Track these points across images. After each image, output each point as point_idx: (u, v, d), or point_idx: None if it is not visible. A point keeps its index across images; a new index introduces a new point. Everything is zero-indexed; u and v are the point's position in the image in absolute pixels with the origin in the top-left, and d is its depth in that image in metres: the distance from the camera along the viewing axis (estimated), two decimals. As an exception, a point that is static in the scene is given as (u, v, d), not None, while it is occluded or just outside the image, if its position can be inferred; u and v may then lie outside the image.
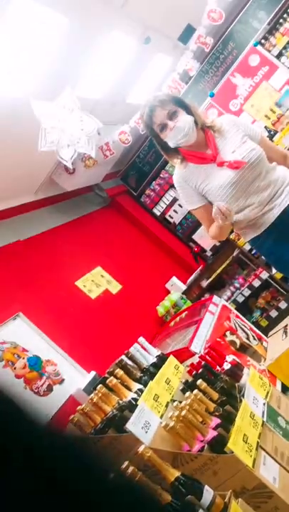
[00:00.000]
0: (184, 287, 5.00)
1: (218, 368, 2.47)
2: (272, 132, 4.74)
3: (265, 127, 4.95)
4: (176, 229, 6.06)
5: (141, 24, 4.17)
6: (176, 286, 4.99)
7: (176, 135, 2.02)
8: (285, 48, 5.36)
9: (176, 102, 2.06)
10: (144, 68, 4.94)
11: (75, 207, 5.10)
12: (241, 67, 5.38)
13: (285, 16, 5.35)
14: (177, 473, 1.25)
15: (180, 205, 5.98)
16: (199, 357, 2.53)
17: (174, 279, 5.07)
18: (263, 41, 5.44)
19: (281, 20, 5.38)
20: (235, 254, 4.84)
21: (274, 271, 4.43)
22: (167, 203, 6.10)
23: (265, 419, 2.17)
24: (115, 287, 4.39)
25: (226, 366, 2.43)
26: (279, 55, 5.36)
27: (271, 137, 4.77)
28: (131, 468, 1.20)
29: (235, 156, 2.02)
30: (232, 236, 4.66)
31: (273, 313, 4.49)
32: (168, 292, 4.90)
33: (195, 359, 2.63)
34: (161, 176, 6.11)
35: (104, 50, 3.76)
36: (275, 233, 2.07)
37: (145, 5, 4.03)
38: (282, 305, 4.46)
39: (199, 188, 2.08)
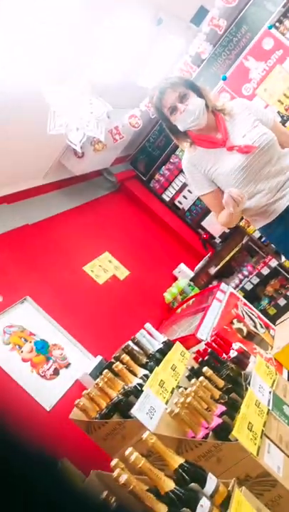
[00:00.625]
0: (191, 274, 4.98)
1: (224, 355, 2.46)
2: (285, 117, 4.65)
3: (278, 112, 4.86)
4: (185, 215, 6.01)
5: (153, 5, 4.08)
6: (183, 273, 4.97)
7: (186, 118, 1.98)
8: (300, 31, 5.23)
9: (187, 85, 2.02)
10: (156, 50, 4.85)
11: (83, 191, 5.08)
12: (255, 50, 5.26)
13: (301, -2, 5.21)
14: (181, 461, 1.25)
15: (189, 191, 5.93)
16: (206, 344, 2.53)
17: (182, 265, 5.05)
18: (277, 24, 5.31)
19: (297, 3, 5.24)
20: (244, 241, 4.80)
21: (283, 259, 4.39)
22: (177, 188, 6.05)
23: (270, 408, 2.16)
24: (123, 273, 4.38)
25: (233, 354, 2.42)
26: (294, 38, 5.23)
27: (284, 123, 4.68)
28: (135, 455, 1.20)
29: (245, 140, 1.98)
30: (242, 223, 4.61)
31: (282, 302, 4.46)
32: (175, 279, 4.89)
33: (201, 346, 2.62)
34: (171, 160, 6.05)
35: (116, 32, 3.69)
36: (286, 221, 2.04)
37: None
38: (291, 293, 4.43)
39: (208, 173, 2.04)
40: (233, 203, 1.84)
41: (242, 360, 2.39)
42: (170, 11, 4.40)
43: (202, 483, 1.21)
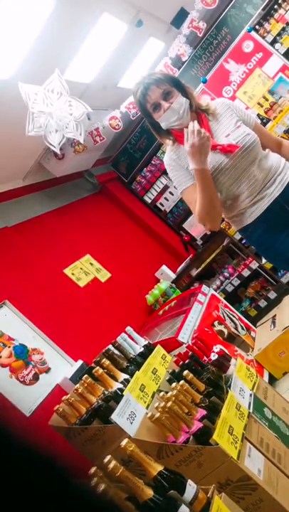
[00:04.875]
0: (173, 276, 4.98)
1: (205, 358, 2.46)
2: (264, 120, 4.69)
3: (258, 115, 4.90)
4: (167, 217, 6.01)
5: (133, 6, 4.07)
6: (165, 275, 4.97)
7: (169, 117, 1.96)
8: (279, 34, 5.28)
9: (172, 82, 2.00)
10: (136, 52, 4.84)
11: (64, 193, 5.03)
12: (235, 53, 5.30)
13: (279, 1, 5.26)
14: (160, 468, 1.23)
15: (171, 193, 5.94)
16: (186, 347, 2.52)
17: (164, 267, 5.04)
18: (257, 27, 5.36)
19: (276, 6, 5.29)
20: (225, 243, 4.82)
21: (264, 261, 4.42)
22: (158, 190, 6.04)
23: (251, 411, 2.16)
24: (104, 275, 4.35)
25: (213, 357, 2.42)
26: (273, 42, 5.29)
27: (264, 125, 4.71)
28: (113, 463, 1.18)
29: (229, 139, 1.97)
30: (222, 225, 4.63)
31: (262, 303, 4.49)
32: (157, 281, 4.88)
33: (182, 349, 2.61)
34: (152, 162, 6.05)
35: (95, 33, 3.67)
36: (266, 223, 2.03)
37: (138, -13, 3.93)
38: (272, 295, 4.46)
39: (191, 172, 2.02)
40: (196, 135, 1.81)
41: (223, 362, 2.39)
42: (150, 13, 4.39)
43: (181, 490, 1.19)
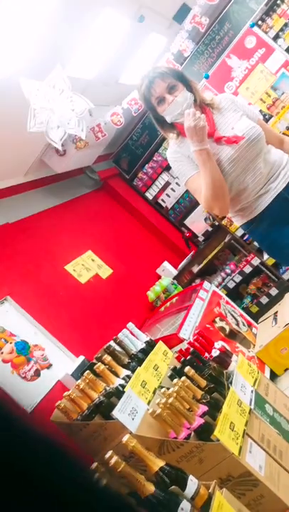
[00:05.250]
0: (175, 272, 4.98)
1: (206, 354, 2.46)
2: (267, 116, 4.67)
3: (260, 111, 4.88)
4: (169, 213, 6.00)
5: (135, 2, 4.05)
6: (167, 272, 4.97)
7: (173, 110, 1.97)
8: (282, 30, 5.25)
9: (177, 76, 2.00)
10: (138, 48, 4.82)
11: (65, 189, 5.03)
12: (237, 48, 5.27)
13: (283, -4, 5.23)
14: (161, 463, 1.24)
15: (173, 190, 5.93)
16: (188, 343, 2.52)
17: (166, 264, 5.04)
18: (259, 22, 5.32)
19: (279, 2, 5.25)
20: (227, 239, 4.81)
21: (265, 257, 4.41)
22: (160, 186, 6.03)
23: (252, 407, 2.16)
24: (106, 272, 4.35)
25: (215, 353, 2.41)
26: (276, 37, 5.26)
27: (266, 121, 4.70)
28: (114, 459, 1.18)
29: (234, 132, 1.96)
30: (224, 221, 4.62)
31: (264, 300, 4.48)
32: (159, 277, 4.88)
33: (184, 345, 2.61)
34: (154, 159, 6.03)
35: (97, 28, 3.65)
36: (269, 218, 2.03)
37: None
38: (273, 291, 4.45)
39: (195, 160, 2.00)
40: (193, 117, 1.84)
41: (224, 359, 2.39)
42: (152, 8, 4.37)
43: (182, 485, 1.20)
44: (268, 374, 3.34)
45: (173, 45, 4.52)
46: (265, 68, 5.16)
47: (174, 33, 4.89)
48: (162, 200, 6.03)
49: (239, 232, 4.53)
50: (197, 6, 4.39)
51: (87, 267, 4.19)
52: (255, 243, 4.12)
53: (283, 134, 4.09)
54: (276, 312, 3.74)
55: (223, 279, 4.71)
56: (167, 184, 5.96)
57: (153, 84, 1.97)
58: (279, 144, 2.16)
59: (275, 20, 5.26)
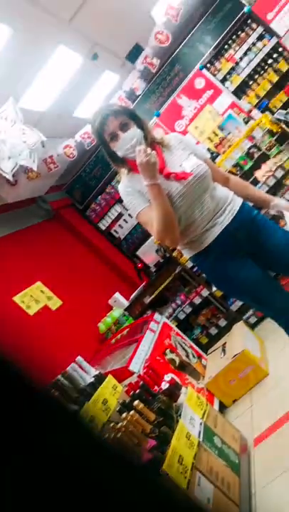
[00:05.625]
0: (126, 304, 4.98)
1: (156, 387, 2.46)
2: (214, 154, 4.88)
3: (208, 149, 5.09)
4: (121, 244, 6.05)
5: (89, 40, 4.18)
6: (119, 303, 4.97)
7: (124, 146, 2.03)
8: (229, 73, 5.58)
9: (129, 115, 2.07)
10: (92, 84, 4.94)
11: (16, 219, 4.97)
12: (187, 89, 5.52)
13: (230, 42, 5.57)
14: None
15: (125, 221, 6.00)
16: (138, 376, 2.52)
17: (117, 295, 5.04)
18: (208, 65, 5.63)
19: (226, 47, 5.60)
20: (177, 271, 4.89)
21: (214, 288, 4.51)
22: (113, 217, 6.09)
23: (201, 440, 2.18)
24: (55, 303, 4.29)
25: (164, 386, 2.43)
26: (223, 80, 5.57)
27: (213, 159, 4.90)
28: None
29: (182, 168, 2.04)
30: (175, 253, 4.71)
31: (213, 331, 4.56)
32: (110, 308, 4.87)
33: (133, 378, 2.61)
34: (107, 190, 6.11)
35: (51, 63, 3.73)
36: (216, 251, 2.09)
37: (94, 21, 4.04)
38: (222, 323, 4.54)
39: (146, 195, 2.06)
40: (144, 154, 1.90)
41: (173, 391, 2.40)
42: (106, 47, 4.52)
43: None
44: (217, 406, 3.37)
45: (125, 83, 4.67)
46: (213, 109, 5.42)
47: (126, 72, 5.06)
48: (115, 231, 6.08)
49: (189, 264, 4.62)
50: (149, 47, 4.58)
51: (36, 298, 4.12)
52: (204, 274, 4.22)
53: (230, 171, 4.28)
54: (225, 343, 3.82)
55: (174, 311, 4.76)
56: (120, 215, 6.04)
57: (106, 120, 2.03)
58: (224, 182, 2.26)
59: (222, 64, 5.58)
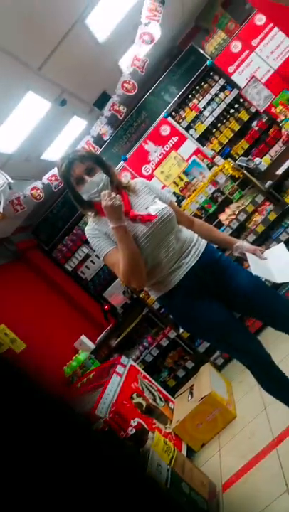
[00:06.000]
0: (93, 346, 4.90)
1: (122, 432, 2.40)
2: (180, 198, 5.01)
3: (174, 193, 5.23)
4: (88, 285, 6.01)
5: (58, 87, 4.30)
6: (84, 346, 4.88)
7: (90, 189, 2.07)
8: (193, 121, 5.83)
9: (96, 160, 2.12)
10: (60, 128, 5.04)
11: (-19, 260, 4.89)
12: (153, 135, 5.72)
13: (193, 92, 5.85)
14: None
15: (92, 262, 5.99)
16: (104, 421, 2.45)
17: (83, 338, 4.96)
18: (173, 113, 5.87)
19: (190, 96, 5.87)
20: (144, 312, 4.88)
21: (181, 330, 4.51)
22: (80, 258, 6.08)
23: (168, 487, 2.12)
24: (19, 346, 4.17)
25: (131, 431, 2.37)
26: (188, 128, 5.81)
27: (179, 202, 5.04)
28: None
29: (148, 211, 2.09)
30: (142, 294, 4.71)
31: (180, 373, 4.52)
32: (76, 352, 4.77)
33: (99, 424, 2.54)
34: (74, 232, 6.12)
35: (20, 108, 3.80)
36: (182, 291, 2.11)
37: (63, 69, 4.18)
38: (189, 365, 4.52)
39: (112, 237, 2.09)
40: (109, 198, 1.93)
41: (140, 437, 2.35)
42: (74, 94, 4.66)
43: None
44: (184, 450, 3.30)
45: (93, 128, 4.80)
46: (178, 155, 5.62)
47: (94, 118, 5.20)
48: (82, 272, 6.05)
49: (156, 305, 4.63)
50: (116, 95, 4.75)
51: (-1, 341, 4.00)
52: (171, 315, 4.23)
53: (195, 214, 4.39)
54: (192, 386, 3.78)
55: (141, 353, 4.71)
56: (87, 256, 6.03)
57: (73, 165, 2.08)
58: (189, 225, 2.32)
59: (187, 113, 5.83)
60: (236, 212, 4.24)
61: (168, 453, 2.36)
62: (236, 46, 5.55)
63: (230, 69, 5.63)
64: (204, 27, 7.24)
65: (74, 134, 5.42)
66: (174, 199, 5.10)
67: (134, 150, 5.74)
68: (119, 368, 3.50)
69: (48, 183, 4.39)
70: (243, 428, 3.16)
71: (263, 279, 2.29)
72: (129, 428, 2.37)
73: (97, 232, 2.12)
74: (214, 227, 2.53)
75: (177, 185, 5.40)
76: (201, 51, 6.11)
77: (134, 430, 2.30)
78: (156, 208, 2.11)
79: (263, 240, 4.32)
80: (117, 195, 1.98)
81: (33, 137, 4.39)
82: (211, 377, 3.67)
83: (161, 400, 3.61)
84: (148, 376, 3.89)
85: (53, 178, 4.37)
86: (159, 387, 3.87)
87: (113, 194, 1.96)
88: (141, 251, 2.05)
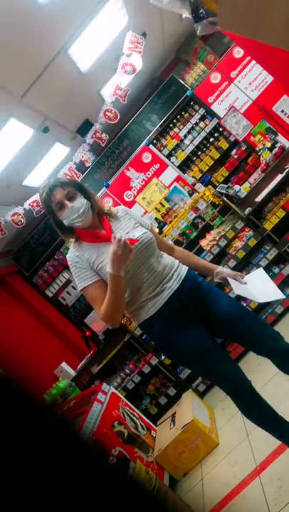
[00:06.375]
0: (73, 374, 4.82)
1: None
2: (161, 224, 5.06)
3: (156, 219, 5.28)
4: (69, 311, 5.96)
5: (40, 114, 4.36)
6: (65, 373, 4.79)
7: (70, 215, 2.07)
8: (174, 149, 5.94)
9: (77, 187, 2.14)
10: (42, 155, 5.08)
11: None
12: (135, 162, 5.81)
13: (174, 121, 5.99)
14: None
15: (74, 287, 5.95)
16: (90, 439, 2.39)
17: (64, 365, 4.88)
18: (155, 141, 5.99)
19: (171, 125, 6.01)
20: (126, 338, 4.84)
21: (163, 356, 4.48)
22: (60, 284, 6.03)
23: (150, 519, 2.06)
24: (-2, 374, 4.08)
25: (112, 461, 2.32)
26: (169, 155, 5.92)
27: (160, 228, 5.08)
28: None
29: (129, 235, 2.09)
30: (123, 320, 4.68)
31: (162, 400, 4.47)
32: (57, 379, 4.68)
33: (80, 454, 2.47)
34: (55, 257, 6.10)
35: (1, 135, 3.83)
36: (165, 316, 2.10)
37: (45, 97, 4.24)
38: (171, 391, 4.47)
39: (93, 264, 2.08)
40: (122, 245, 1.88)
41: (121, 466, 2.29)
42: (57, 122, 4.72)
43: None
44: (167, 480, 3.23)
45: (76, 155, 4.85)
46: (159, 182, 5.70)
47: (76, 145, 5.27)
48: (62, 298, 6.00)
49: (138, 332, 4.60)
50: (98, 123, 4.83)
51: (-22, 369, 3.90)
52: (152, 342, 4.20)
53: (176, 239, 4.43)
54: (174, 413, 3.74)
55: (123, 380, 4.65)
56: (68, 282, 5.99)
57: (53, 191, 2.09)
58: (170, 251, 2.34)
59: (168, 141, 5.95)
60: (217, 238, 4.29)
61: (150, 483, 2.31)
62: (216, 77, 5.73)
63: (210, 99, 5.79)
64: (184, 59, 7.48)
65: (56, 160, 5.47)
66: (156, 225, 5.14)
67: (117, 176, 5.81)
68: (100, 396, 3.44)
69: (30, 209, 4.39)
70: (225, 456, 3.12)
71: (247, 301, 2.31)
72: (111, 457, 2.31)
73: (78, 260, 2.12)
74: (195, 253, 2.55)
75: (159, 211, 5.46)
76: (182, 82, 6.30)
77: (115, 460, 2.25)
78: (136, 232, 2.12)
79: (244, 265, 4.37)
80: (132, 247, 1.96)
81: (15, 163, 4.41)
82: (193, 404, 3.63)
83: (143, 428, 3.55)
84: (130, 404, 3.83)
85: (35, 204, 4.38)
86: (141, 415, 3.81)
87: (128, 244, 1.93)
88: (124, 275, 2.06)
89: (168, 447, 3.28)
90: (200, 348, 2.08)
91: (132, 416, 3.56)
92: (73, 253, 2.15)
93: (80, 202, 2.09)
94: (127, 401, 3.80)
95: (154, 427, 3.82)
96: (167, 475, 3.30)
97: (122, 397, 3.80)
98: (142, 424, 3.60)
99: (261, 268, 2.49)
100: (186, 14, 1.63)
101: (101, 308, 2.03)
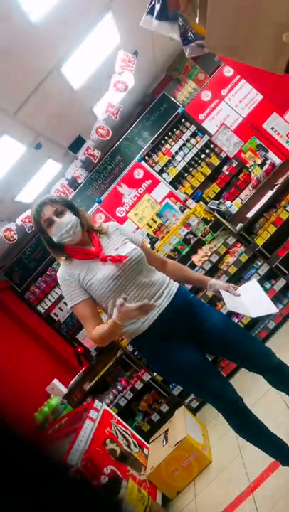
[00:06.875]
0: (65, 391, 4.77)
1: (95, 481, 2.31)
2: (153, 239, 5.07)
3: (148, 235, 5.30)
4: (61, 327, 5.91)
5: (33, 131, 4.39)
6: (57, 390, 4.74)
7: (59, 231, 2.09)
8: (166, 165, 6.00)
9: (66, 204, 2.16)
10: (35, 171, 5.11)
11: None
12: (127, 178, 5.85)
13: (166, 138, 6.06)
14: None
15: (66, 303, 5.91)
16: (75, 470, 2.37)
17: (55, 381, 4.83)
18: (146, 158, 6.04)
19: (163, 142, 6.07)
20: (118, 354, 4.81)
21: (155, 373, 4.45)
22: (52, 300, 6.00)
23: (142, 540, 2.04)
24: (-11, 392, 4.03)
25: (104, 479, 2.29)
26: (161, 172, 5.97)
27: (152, 244, 5.09)
28: None
29: (118, 252, 2.10)
30: (116, 336, 4.66)
31: (155, 417, 4.43)
32: (48, 396, 4.62)
33: (71, 473, 2.44)
34: (47, 273, 6.08)
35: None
36: (156, 333, 2.10)
37: (38, 114, 4.28)
38: (164, 408, 4.43)
39: (83, 282, 2.09)
40: (121, 309, 1.88)
41: (113, 485, 2.27)
42: (49, 138, 4.75)
43: None
44: (159, 499, 3.19)
45: (68, 171, 4.88)
46: (151, 198, 5.74)
47: (69, 161, 5.30)
48: (55, 314, 5.96)
49: (130, 348, 4.57)
50: (91, 140, 4.88)
51: None
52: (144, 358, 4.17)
53: (168, 255, 4.45)
54: (167, 430, 3.70)
55: (115, 397, 4.61)
56: (60, 298, 5.96)
57: (42, 208, 2.11)
58: (162, 265, 2.34)
59: (160, 157, 6.00)
60: (209, 254, 4.31)
61: (142, 502, 2.28)
62: (206, 95, 5.82)
63: (201, 116, 5.87)
64: (175, 77, 7.60)
65: (49, 176, 5.50)
66: (148, 240, 5.16)
67: (109, 192, 5.84)
68: (92, 413, 3.41)
69: (22, 225, 4.40)
70: (218, 474, 3.09)
71: (240, 317, 2.31)
72: (102, 476, 2.29)
73: (68, 278, 2.12)
74: (187, 267, 2.56)
75: (151, 227, 5.49)
76: (173, 99, 6.39)
77: (107, 478, 2.23)
78: (125, 248, 2.13)
79: (236, 280, 4.38)
80: (145, 312, 1.95)
81: (7, 179, 4.42)
82: (186, 420, 3.60)
83: (135, 445, 3.51)
84: (122, 421, 3.79)
85: (27, 220, 4.39)
86: (133, 433, 3.77)
87: (144, 309, 1.92)
88: (110, 292, 2.07)
89: (161, 465, 3.25)
90: (191, 366, 2.08)
91: (124, 433, 3.52)
92: (64, 271, 2.15)
93: (68, 218, 2.10)
94: (119, 418, 3.77)
95: (147, 444, 3.79)
96: (160, 494, 3.25)
97: (114, 414, 3.77)
98: (135, 441, 3.56)
99: (254, 280, 2.49)
100: (175, 37, 1.67)
101: (93, 332, 2.04)
